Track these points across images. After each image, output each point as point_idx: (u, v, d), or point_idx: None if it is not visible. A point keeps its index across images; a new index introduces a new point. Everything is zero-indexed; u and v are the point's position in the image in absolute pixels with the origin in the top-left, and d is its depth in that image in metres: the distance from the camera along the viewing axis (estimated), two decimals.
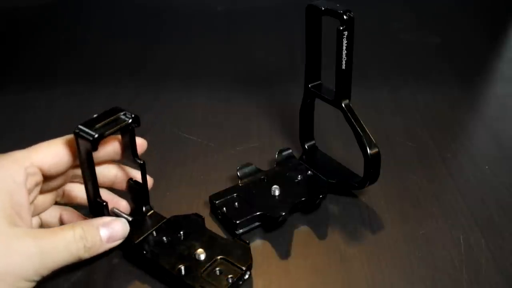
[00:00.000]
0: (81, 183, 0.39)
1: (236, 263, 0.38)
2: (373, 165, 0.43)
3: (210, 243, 0.40)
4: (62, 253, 0.34)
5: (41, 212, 0.40)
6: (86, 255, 0.36)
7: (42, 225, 0.41)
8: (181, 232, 0.41)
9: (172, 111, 0.62)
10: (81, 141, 0.35)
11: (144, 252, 0.39)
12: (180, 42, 0.80)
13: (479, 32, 0.84)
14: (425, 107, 0.63)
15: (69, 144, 0.37)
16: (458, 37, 0.82)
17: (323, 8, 0.41)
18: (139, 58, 0.76)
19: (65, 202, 0.42)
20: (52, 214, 0.41)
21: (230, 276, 0.37)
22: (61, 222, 0.41)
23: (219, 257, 0.38)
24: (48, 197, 0.40)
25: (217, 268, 0.38)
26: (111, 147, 0.40)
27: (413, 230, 0.44)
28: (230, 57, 0.76)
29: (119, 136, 0.40)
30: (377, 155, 0.43)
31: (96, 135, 0.35)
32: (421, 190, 0.48)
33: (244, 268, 0.38)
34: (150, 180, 0.42)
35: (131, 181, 0.42)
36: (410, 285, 0.39)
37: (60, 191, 0.41)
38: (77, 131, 0.35)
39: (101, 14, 0.92)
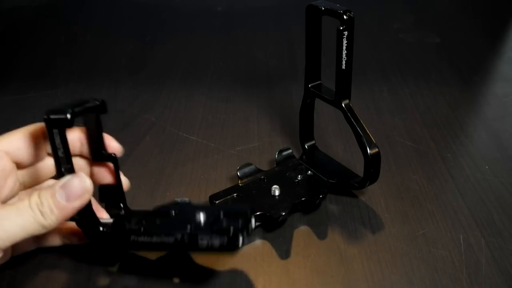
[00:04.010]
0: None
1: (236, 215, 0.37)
2: (373, 165, 0.43)
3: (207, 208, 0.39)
4: (16, 220, 0.33)
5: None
6: (49, 221, 0.34)
7: None
8: (173, 212, 0.38)
9: (172, 111, 0.62)
10: (54, 123, 0.34)
11: (139, 237, 0.37)
12: (180, 42, 0.80)
13: (479, 32, 0.84)
14: (425, 107, 0.63)
15: (37, 130, 0.38)
16: (458, 37, 0.82)
17: (323, 8, 0.41)
18: (139, 58, 0.76)
19: None
20: None
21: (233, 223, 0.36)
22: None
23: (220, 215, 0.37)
24: None
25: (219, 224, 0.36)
26: (77, 138, 0.39)
27: (413, 230, 0.44)
28: (230, 57, 0.76)
29: (83, 130, 0.39)
30: (377, 155, 0.43)
31: (70, 110, 0.33)
32: (421, 190, 0.48)
33: (248, 212, 0.36)
34: (125, 182, 0.41)
35: (102, 186, 0.40)
36: (410, 285, 0.39)
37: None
38: (45, 117, 0.33)
39: (101, 14, 0.92)
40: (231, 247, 0.36)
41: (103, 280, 0.39)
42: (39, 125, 0.38)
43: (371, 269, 0.40)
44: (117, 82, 0.69)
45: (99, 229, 0.38)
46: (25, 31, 0.85)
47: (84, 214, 0.37)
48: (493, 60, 0.76)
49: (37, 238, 0.40)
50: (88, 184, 0.35)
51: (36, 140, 0.38)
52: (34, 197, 0.34)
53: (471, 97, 0.66)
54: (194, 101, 0.64)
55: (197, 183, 0.49)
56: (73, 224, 0.40)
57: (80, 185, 0.35)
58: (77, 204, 0.35)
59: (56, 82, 0.69)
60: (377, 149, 0.43)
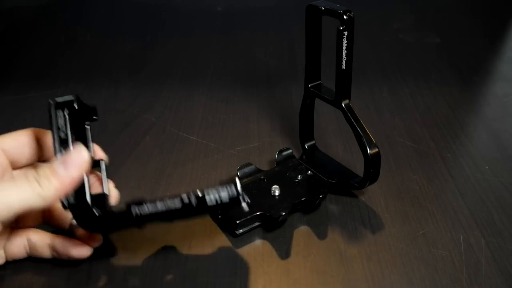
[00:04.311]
0: None
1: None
2: (373, 165, 0.43)
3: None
4: (14, 190, 0.33)
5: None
6: (47, 191, 0.34)
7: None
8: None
9: (172, 111, 0.62)
10: (59, 105, 0.36)
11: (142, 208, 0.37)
12: (180, 42, 0.80)
13: (479, 32, 0.84)
14: (425, 107, 0.63)
15: (34, 132, 0.39)
16: (458, 37, 0.82)
17: (323, 8, 0.41)
18: (139, 58, 0.76)
19: None
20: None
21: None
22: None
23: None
24: None
25: None
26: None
27: (413, 230, 0.44)
28: (230, 57, 0.76)
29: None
30: (377, 155, 0.43)
31: (74, 95, 0.36)
32: (421, 190, 0.48)
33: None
34: (115, 194, 0.40)
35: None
36: (410, 285, 0.39)
37: None
38: (51, 100, 0.36)
39: (101, 14, 0.92)
40: (238, 199, 0.35)
41: (101, 282, 0.39)
42: (34, 130, 0.39)
43: (371, 269, 0.40)
44: (117, 82, 0.69)
45: (94, 214, 0.37)
46: (25, 31, 0.85)
47: (79, 197, 0.36)
48: (493, 60, 0.76)
49: (28, 244, 0.40)
50: (85, 154, 0.36)
51: (30, 143, 0.39)
52: (31, 172, 0.35)
53: (471, 97, 0.66)
54: (194, 101, 0.64)
55: (197, 183, 0.49)
56: (63, 237, 0.40)
57: (77, 154, 0.35)
58: (75, 173, 0.35)
59: (56, 82, 0.69)
60: (377, 149, 0.43)
